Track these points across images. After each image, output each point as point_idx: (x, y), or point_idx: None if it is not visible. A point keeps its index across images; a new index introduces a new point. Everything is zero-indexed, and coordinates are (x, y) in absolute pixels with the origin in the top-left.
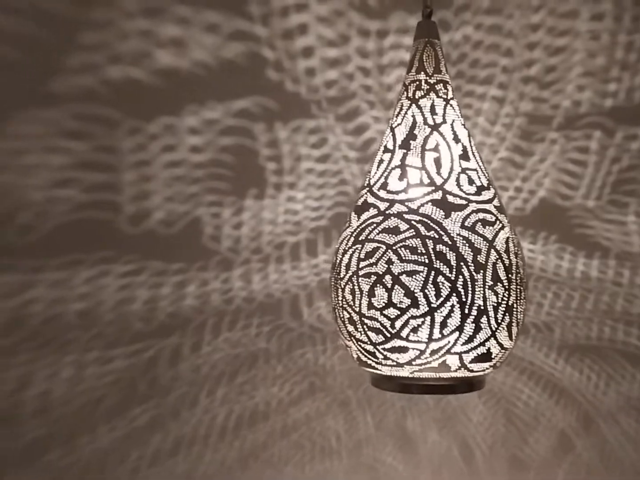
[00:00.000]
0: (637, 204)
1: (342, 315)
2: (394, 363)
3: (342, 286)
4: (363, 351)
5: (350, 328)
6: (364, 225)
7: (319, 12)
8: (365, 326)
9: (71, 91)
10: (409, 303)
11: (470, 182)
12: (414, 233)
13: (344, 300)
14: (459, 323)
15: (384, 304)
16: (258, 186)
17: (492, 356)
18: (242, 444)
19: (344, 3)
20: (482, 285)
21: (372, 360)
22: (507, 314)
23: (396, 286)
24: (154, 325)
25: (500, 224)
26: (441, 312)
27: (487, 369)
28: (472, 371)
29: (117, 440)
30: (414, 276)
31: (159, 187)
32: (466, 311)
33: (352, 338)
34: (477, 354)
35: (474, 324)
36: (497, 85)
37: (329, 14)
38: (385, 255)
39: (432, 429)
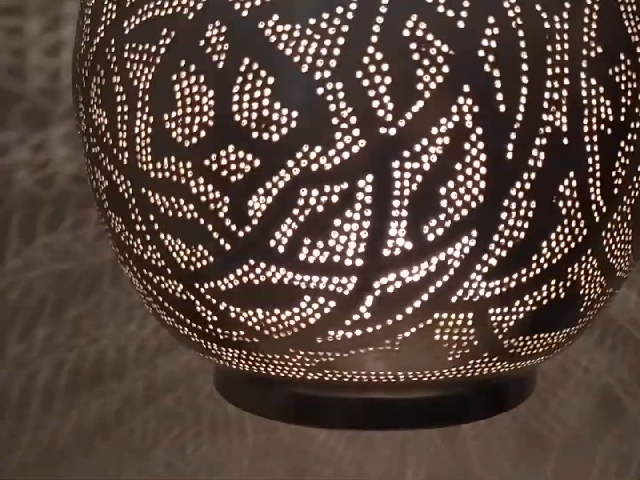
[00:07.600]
0: None
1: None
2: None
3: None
4: (166, 302)
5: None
6: None
7: None
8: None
9: None
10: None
11: None
12: None
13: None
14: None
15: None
16: None
17: (580, 308)
18: None
19: None
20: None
21: (196, 329)
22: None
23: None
24: None
25: None
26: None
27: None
28: (516, 353)
29: None
30: None
31: None
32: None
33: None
34: (542, 300)
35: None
36: None
37: None
38: None
39: None
